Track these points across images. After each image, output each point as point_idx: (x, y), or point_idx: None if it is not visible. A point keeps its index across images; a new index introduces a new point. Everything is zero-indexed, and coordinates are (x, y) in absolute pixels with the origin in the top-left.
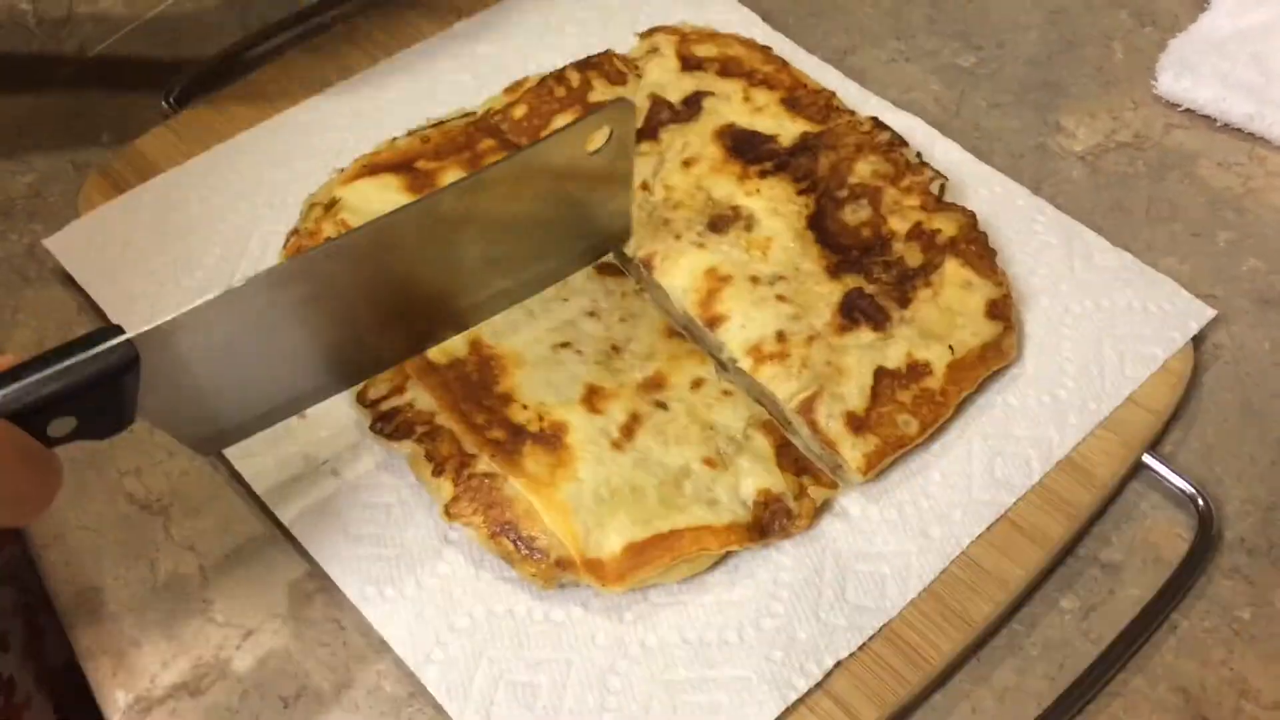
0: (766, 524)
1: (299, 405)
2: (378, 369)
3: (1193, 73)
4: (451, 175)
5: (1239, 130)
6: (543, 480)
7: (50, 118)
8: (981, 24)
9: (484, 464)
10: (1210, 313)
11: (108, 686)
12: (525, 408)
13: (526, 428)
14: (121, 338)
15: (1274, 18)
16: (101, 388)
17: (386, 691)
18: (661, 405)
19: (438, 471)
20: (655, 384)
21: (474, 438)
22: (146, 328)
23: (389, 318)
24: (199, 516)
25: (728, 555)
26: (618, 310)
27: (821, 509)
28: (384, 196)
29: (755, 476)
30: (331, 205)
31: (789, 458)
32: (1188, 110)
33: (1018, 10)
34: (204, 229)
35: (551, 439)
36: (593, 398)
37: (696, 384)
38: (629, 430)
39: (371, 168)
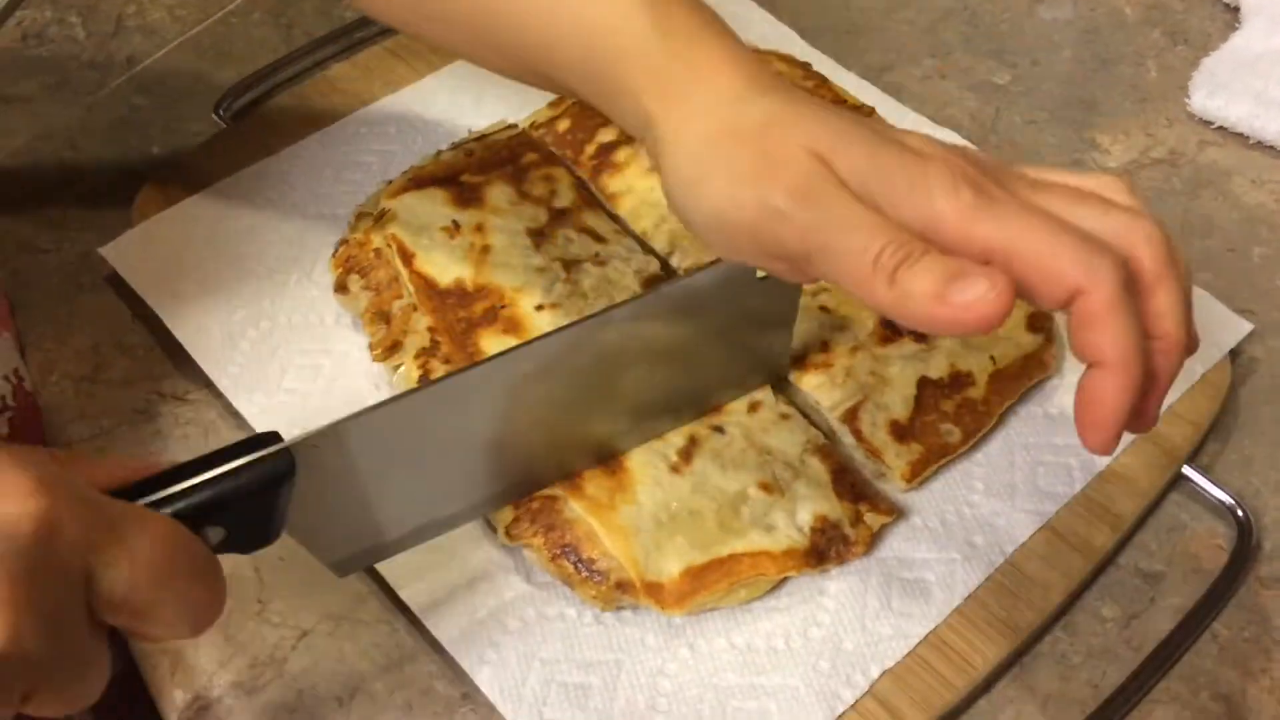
0: (823, 550)
1: (438, 530)
2: (519, 495)
3: (1225, 91)
4: (496, 189)
5: (1271, 147)
6: (602, 503)
7: (101, 129)
8: (1016, 42)
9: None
10: (1247, 326)
11: (166, 686)
12: None
13: None
14: (279, 445)
15: None
16: (256, 496)
17: (439, 692)
18: (719, 429)
19: None
20: (713, 407)
21: None
22: (304, 435)
23: (544, 443)
24: None
25: (783, 580)
26: None
27: (878, 535)
28: (431, 209)
29: (812, 503)
30: (380, 217)
31: (845, 484)
32: (1221, 128)
33: (1051, 29)
34: (256, 238)
35: (611, 462)
36: None
37: (754, 407)
38: (687, 454)
39: (418, 181)
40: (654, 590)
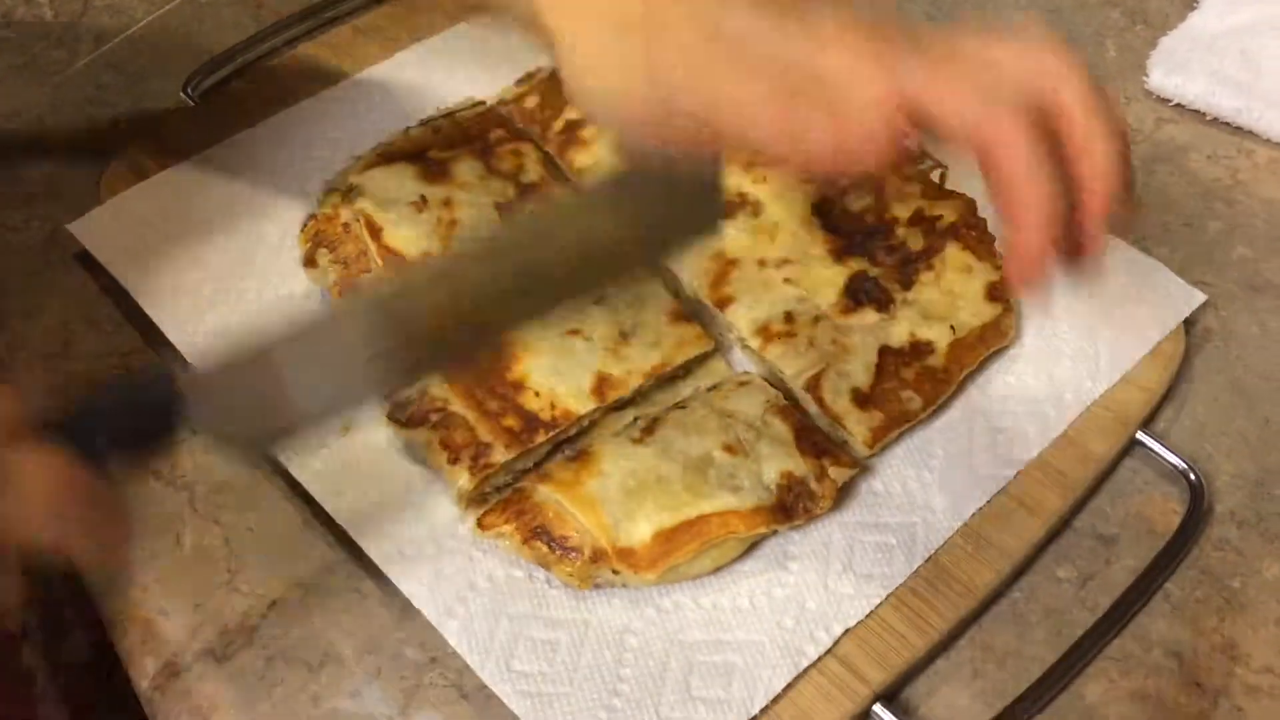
0: (790, 506)
1: (341, 419)
2: (424, 375)
3: (1183, 69)
4: (464, 164)
5: (1228, 124)
6: (569, 481)
7: (69, 107)
8: (978, 22)
9: (499, 453)
10: (1201, 297)
11: (137, 655)
12: (537, 395)
13: (539, 416)
14: (167, 377)
15: (1261, 16)
16: (148, 423)
17: (408, 657)
18: (680, 406)
19: (453, 460)
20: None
21: (488, 425)
22: (191, 371)
23: (441, 340)
24: (222, 491)
25: (752, 545)
26: (624, 295)
27: (843, 489)
28: (400, 184)
29: (776, 460)
30: (349, 192)
31: (808, 441)
32: (1178, 105)
33: (1014, 10)
34: (224, 214)
35: (574, 450)
36: (602, 386)
37: (714, 387)
38: (650, 428)
39: (386, 156)
40: (626, 555)
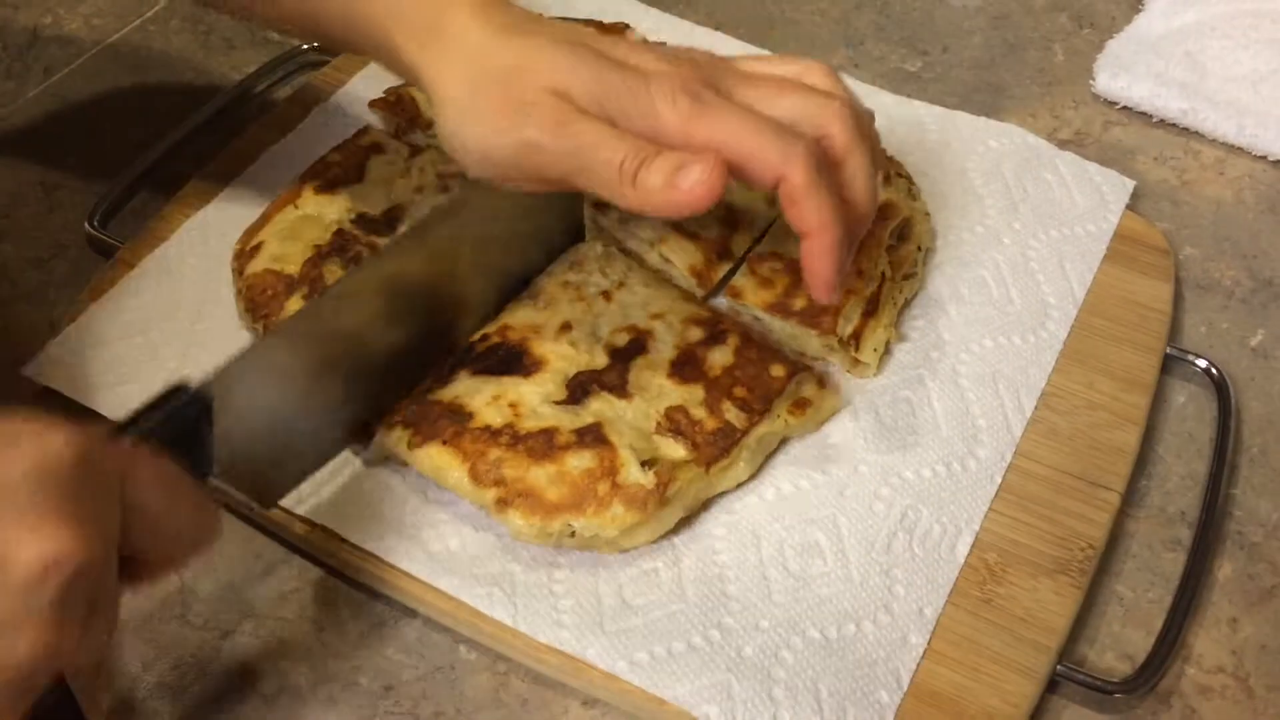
0: None
1: (340, 445)
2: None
3: (1129, 72)
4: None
5: (1174, 125)
6: None
7: (17, 140)
8: (927, 30)
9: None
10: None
11: (90, 690)
12: None
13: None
14: (193, 390)
15: (1205, 18)
16: (185, 438)
17: (363, 686)
18: None
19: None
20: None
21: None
22: (210, 373)
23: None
24: None
25: None
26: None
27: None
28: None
29: None
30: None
31: None
32: (1125, 108)
33: (961, 16)
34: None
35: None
36: None
37: None
38: None
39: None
40: None
